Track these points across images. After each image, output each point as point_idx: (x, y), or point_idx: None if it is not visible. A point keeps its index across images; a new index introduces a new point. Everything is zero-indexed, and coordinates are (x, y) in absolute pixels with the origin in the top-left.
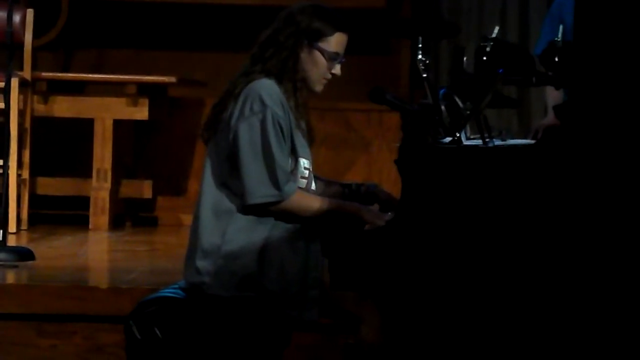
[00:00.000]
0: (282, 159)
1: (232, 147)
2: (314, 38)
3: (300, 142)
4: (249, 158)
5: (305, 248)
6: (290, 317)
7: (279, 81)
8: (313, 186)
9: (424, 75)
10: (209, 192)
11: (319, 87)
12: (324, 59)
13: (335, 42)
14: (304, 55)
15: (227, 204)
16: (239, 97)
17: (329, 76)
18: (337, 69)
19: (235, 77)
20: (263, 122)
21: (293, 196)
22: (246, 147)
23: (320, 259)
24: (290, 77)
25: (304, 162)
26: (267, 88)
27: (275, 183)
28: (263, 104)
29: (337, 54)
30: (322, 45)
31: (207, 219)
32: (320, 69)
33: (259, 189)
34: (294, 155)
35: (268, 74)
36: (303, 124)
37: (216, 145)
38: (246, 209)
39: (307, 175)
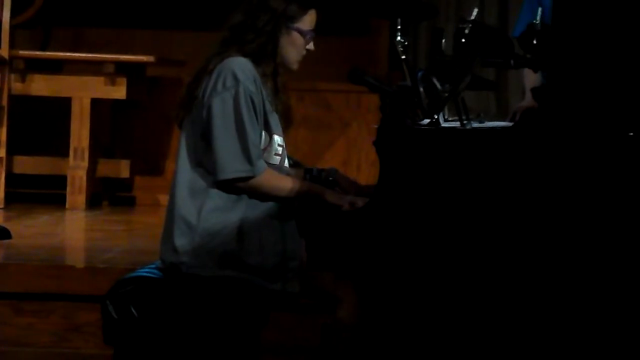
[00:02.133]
0: (253, 135)
1: (205, 123)
2: (291, 20)
3: (274, 119)
4: (221, 133)
5: (281, 226)
6: (271, 292)
7: (256, 63)
8: (286, 164)
9: (403, 56)
10: (184, 171)
11: (296, 66)
12: (302, 38)
13: (309, 19)
14: (283, 38)
15: (203, 182)
16: (213, 73)
17: (304, 52)
18: (311, 45)
19: (209, 56)
20: (236, 97)
21: (263, 173)
22: (219, 122)
23: (296, 238)
24: (270, 61)
25: (278, 139)
26: (240, 64)
27: (248, 158)
28: (236, 79)
29: (312, 31)
30: (299, 25)
31: (182, 198)
32: (299, 48)
33: (230, 164)
34: (268, 131)
35: (244, 55)
36: (280, 106)
37: (191, 123)
38: (218, 184)
39: (280, 153)
